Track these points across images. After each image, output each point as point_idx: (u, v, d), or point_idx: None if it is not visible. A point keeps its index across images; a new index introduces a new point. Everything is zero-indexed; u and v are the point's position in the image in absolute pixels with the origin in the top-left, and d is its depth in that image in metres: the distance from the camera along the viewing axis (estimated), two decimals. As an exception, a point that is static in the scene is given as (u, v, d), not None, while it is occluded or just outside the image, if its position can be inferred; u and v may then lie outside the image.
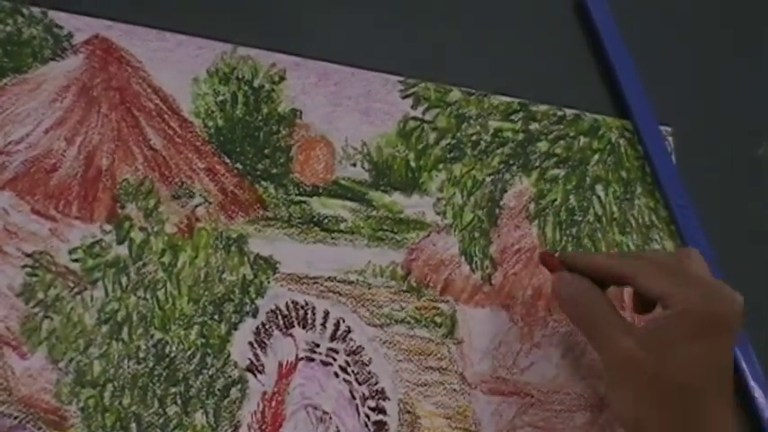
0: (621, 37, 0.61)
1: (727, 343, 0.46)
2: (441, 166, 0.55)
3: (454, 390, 0.50)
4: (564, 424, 0.51)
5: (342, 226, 0.51)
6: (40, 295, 0.46)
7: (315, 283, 0.50)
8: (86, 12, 0.51)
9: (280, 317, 0.49)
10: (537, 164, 0.57)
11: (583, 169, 0.58)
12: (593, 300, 0.48)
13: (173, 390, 0.46)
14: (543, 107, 0.58)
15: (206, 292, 0.48)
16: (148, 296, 0.47)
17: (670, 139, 0.60)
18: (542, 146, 0.57)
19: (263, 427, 0.46)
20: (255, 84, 0.53)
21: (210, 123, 0.51)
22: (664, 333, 0.45)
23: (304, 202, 0.51)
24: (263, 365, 0.48)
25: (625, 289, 0.54)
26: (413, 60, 0.57)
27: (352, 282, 0.50)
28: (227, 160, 0.51)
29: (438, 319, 0.51)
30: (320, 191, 0.52)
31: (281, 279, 0.49)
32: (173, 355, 0.46)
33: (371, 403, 0.49)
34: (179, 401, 0.46)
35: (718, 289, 0.46)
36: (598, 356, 0.48)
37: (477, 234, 0.54)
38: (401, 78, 0.56)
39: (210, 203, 0.50)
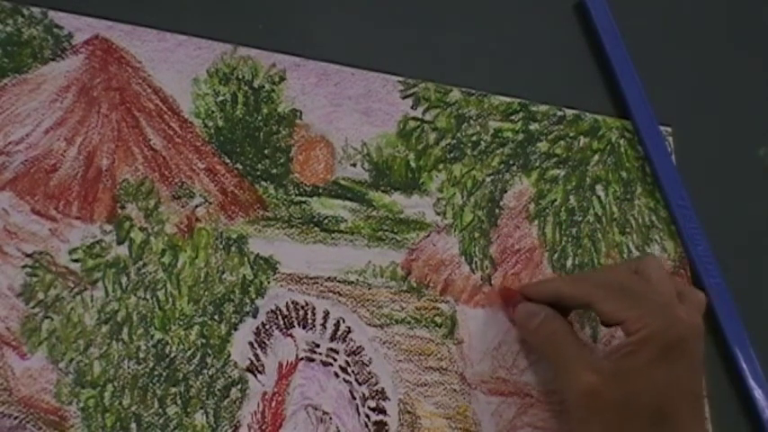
0: (621, 37, 0.61)
1: (692, 365, 0.46)
2: (441, 166, 0.55)
3: (454, 390, 0.50)
4: (564, 424, 0.51)
5: (342, 226, 0.51)
6: (40, 295, 0.45)
7: (315, 283, 0.50)
8: (86, 12, 0.51)
9: (280, 317, 0.49)
10: (537, 164, 0.57)
11: (583, 169, 0.58)
12: (556, 332, 0.48)
13: (173, 390, 0.46)
14: (543, 107, 0.58)
15: (206, 293, 0.48)
16: (148, 296, 0.47)
17: (670, 139, 0.60)
18: (542, 146, 0.57)
19: (263, 427, 0.46)
20: (255, 84, 0.53)
21: (210, 124, 0.51)
22: (626, 362, 0.45)
23: (304, 202, 0.51)
24: (263, 365, 0.48)
25: None
26: (413, 60, 0.56)
27: (353, 282, 0.50)
28: (228, 160, 0.51)
29: (438, 320, 0.51)
30: (320, 191, 0.52)
31: (281, 279, 0.49)
32: (173, 355, 0.46)
33: (371, 403, 0.49)
34: (179, 402, 0.46)
35: (675, 307, 0.46)
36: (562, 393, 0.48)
37: (477, 234, 0.54)
38: (401, 78, 0.56)
39: (210, 204, 0.50)
